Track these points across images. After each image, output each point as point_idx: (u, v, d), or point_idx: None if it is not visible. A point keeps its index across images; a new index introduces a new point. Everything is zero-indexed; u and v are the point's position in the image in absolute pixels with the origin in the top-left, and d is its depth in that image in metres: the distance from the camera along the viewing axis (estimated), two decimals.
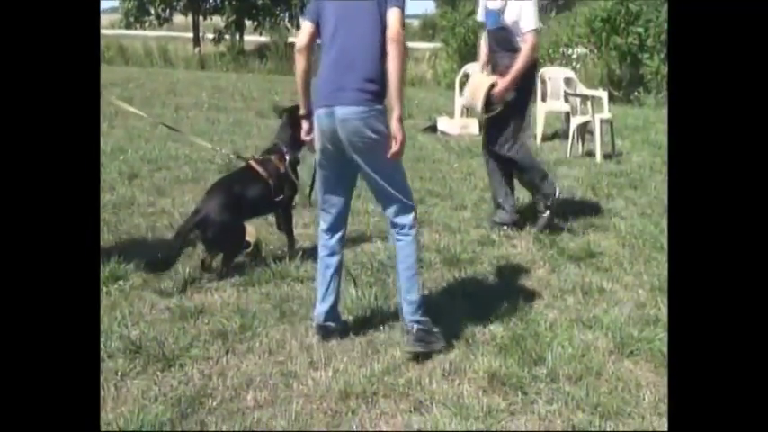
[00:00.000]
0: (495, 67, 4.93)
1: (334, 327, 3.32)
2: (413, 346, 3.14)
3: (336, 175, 3.23)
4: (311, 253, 4.38)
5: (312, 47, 3.27)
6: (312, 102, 3.21)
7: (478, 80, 4.93)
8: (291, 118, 4.10)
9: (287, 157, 4.26)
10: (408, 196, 3.24)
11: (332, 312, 3.32)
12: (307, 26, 3.24)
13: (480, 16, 5.15)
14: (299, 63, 3.26)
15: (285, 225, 4.38)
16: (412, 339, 3.15)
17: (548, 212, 4.95)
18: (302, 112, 3.41)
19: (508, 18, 4.77)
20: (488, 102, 4.76)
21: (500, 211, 5.06)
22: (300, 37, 3.26)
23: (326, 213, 3.30)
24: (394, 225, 3.24)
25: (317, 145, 3.18)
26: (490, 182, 5.23)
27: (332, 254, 3.32)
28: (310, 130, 3.34)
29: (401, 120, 3.08)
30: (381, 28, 3.06)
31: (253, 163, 4.24)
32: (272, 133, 4.57)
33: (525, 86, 4.90)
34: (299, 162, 4.37)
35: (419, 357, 3.14)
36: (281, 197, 4.25)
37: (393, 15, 3.05)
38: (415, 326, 3.16)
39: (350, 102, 3.04)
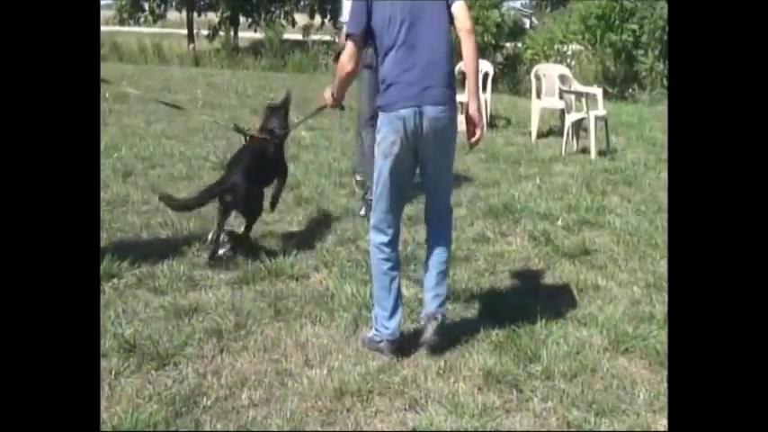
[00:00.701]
0: None
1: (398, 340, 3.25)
2: (433, 338, 3.19)
3: (400, 182, 3.20)
4: (305, 251, 4.39)
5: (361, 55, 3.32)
6: (383, 103, 3.15)
7: None
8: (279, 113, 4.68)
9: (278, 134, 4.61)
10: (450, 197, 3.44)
11: (399, 326, 3.26)
12: (353, 36, 3.20)
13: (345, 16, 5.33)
14: (348, 69, 3.25)
15: (276, 194, 4.60)
16: (434, 332, 3.19)
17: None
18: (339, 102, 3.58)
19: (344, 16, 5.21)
20: None
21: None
22: (350, 53, 3.22)
23: (389, 227, 3.24)
24: (435, 228, 3.35)
25: (388, 146, 3.12)
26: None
27: (395, 267, 3.28)
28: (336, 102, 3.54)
29: (480, 110, 3.26)
30: (447, 26, 3.13)
31: (256, 134, 4.57)
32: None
33: None
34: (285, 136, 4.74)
35: (434, 350, 3.16)
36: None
37: (462, 8, 3.13)
38: (440, 318, 3.23)
39: (439, 100, 3.09)
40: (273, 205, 4.59)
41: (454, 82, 3.20)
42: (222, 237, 4.23)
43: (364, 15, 3.16)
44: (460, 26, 3.13)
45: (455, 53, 3.18)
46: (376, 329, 3.24)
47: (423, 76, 3.09)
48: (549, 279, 4.07)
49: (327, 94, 3.60)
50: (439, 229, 3.35)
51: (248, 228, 4.34)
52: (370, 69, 4.75)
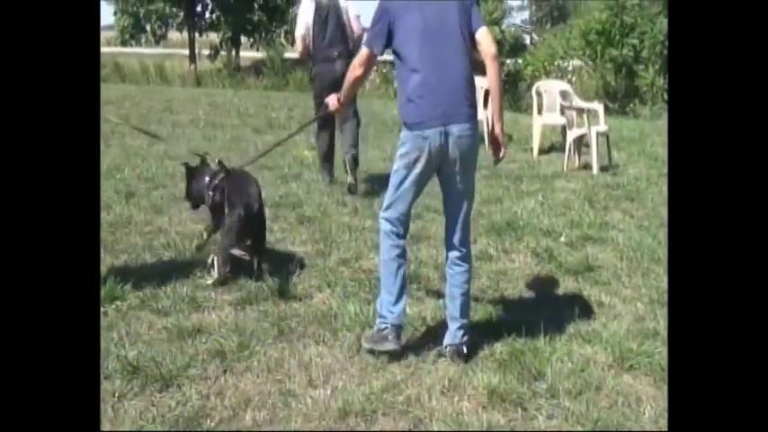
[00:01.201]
0: None
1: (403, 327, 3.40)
2: (460, 362, 3.27)
3: (419, 189, 3.37)
4: (308, 271, 4.39)
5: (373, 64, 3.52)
6: (408, 120, 3.26)
7: None
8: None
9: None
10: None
11: (404, 312, 3.40)
12: (368, 52, 3.37)
13: (300, 31, 6.58)
14: (358, 73, 3.46)
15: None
16: (459, 358, 3.29)
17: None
18: (342, 102, 3.76)
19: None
20: None
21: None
22: (363, 60, 3.41)
23: (401, 222, 3.38)
24: (457, 250, 3.41)
25: (412, 161, 3.25)
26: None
27: (402, 255, 3.40)
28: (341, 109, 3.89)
29: (503, 129, 3.45)
30: (467, 48, 3.27)
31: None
32: None
33: None
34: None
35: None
36: None
37: (486, 34, 3.31)
38: (464, 348, 3.32)
39: (464, 119, 3.25)
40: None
41: (475, 101, 3.36)
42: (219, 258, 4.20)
43: (386, 31, 3.28)
44: (485, 51, 3.29)
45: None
46: (381, 315, 3.34)
47: (447, 97, 3.22)
48: (552, 296, 4.06)
49: (333, 99, 3.78)
50: (463, 252, 3.42)
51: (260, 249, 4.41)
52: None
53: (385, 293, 3.36)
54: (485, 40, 3.29)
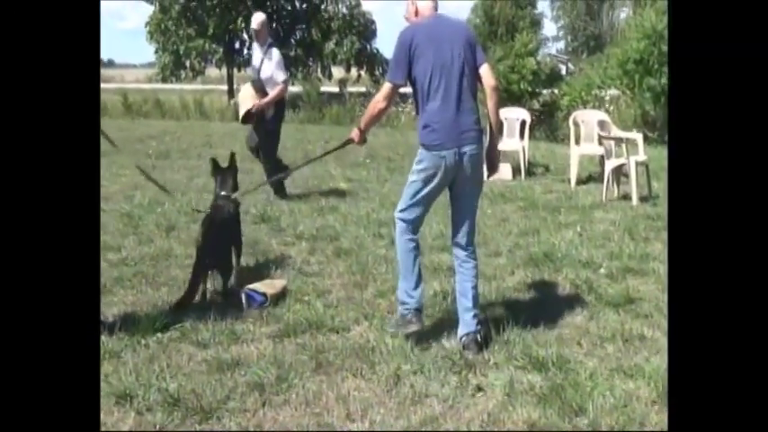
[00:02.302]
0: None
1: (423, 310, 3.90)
2: (477, 354, 3.65)
3: (433, 200, 3.88)
4: (346, 303, 4.40)
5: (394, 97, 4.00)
6: (428, 142, 3.72)
7: (247, 94, 7.51)
8: (231, 172, 5.10)
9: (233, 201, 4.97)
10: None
11: (422, 296, 3.89)
12: (390, 86, 3.84)
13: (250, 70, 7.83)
14: (381, 106, 3.91)
15: (237, 251, 4.91)
16: (477, 349, 3.68)
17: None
18: (364, 135, 4.14)
19: (263, 74, 7.45)
20: (247, 114, 7.46)
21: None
22: (387, 94, 3.86)
23: (416, 223, 3.89)
24: (465, 249, 3.88)
25: (429, 176, 3.74)
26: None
27: (417, 248, 3.90)
28: (362, 141, 4.16)
29: (497, 150, 4.05)
30: (473, 80, 3.80)
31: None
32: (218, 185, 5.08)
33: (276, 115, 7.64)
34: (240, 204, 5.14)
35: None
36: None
37: (487, 69, 3.87)
38: (479, 336, 3.75)
39: (474, 141, 3.75)
40: (237, 266, 4.87)
41: (480, 125, 3.81)
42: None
43: (407, 67, 3.77)
44: (487, 83, 3.82)
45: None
46: (403, 302, 3.84)
47: (460, 122, 3.72)
48: (592, 329, 3.99)
49: (355, 132, 4.16)
50: (470, 250, 3.90)
51: (227, 282, 4.61)
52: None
53: (404, 282, 3.85)
54: (486, 74, 3.83)
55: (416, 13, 3.96)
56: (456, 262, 3.91)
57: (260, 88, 7.42)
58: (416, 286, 3.83)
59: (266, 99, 7.37)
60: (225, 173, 5.09)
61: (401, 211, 3.87)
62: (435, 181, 3.74)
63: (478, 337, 3.73)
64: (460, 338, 3.74)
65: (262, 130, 7.58)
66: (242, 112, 7.51)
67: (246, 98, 7.49)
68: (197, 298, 4.43)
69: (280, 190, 7.73)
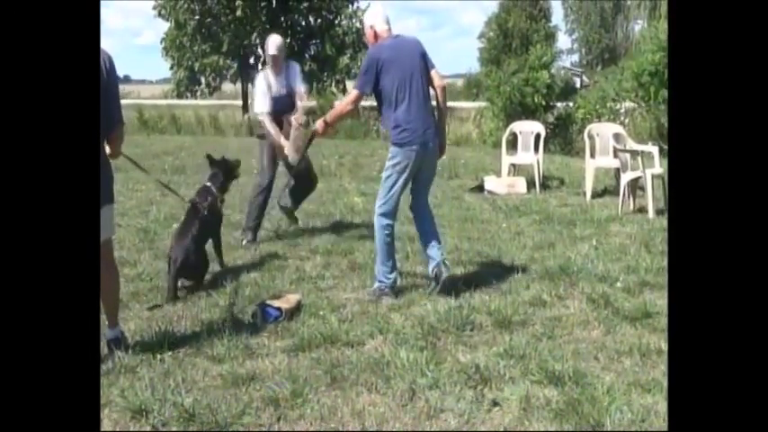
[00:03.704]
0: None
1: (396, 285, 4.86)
2: (446, 277, 4.77)
3: (404, 188, 4.78)
4: (360, 317, 4.39)
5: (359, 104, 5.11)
6: (400, 141, 4.67)
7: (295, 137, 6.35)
8: (219, 167, 5.57)
9: (216, 196, 5.44)
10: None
11: (396, 276, 4.88)
12: (358, 94, 4.85)
13: (264, 106, 6.63)
14: (349, 108, 5.00)
15: (217, 247, 5.51)
16: (446, 274, 4.79)
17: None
18: (328, 129, 5.10)
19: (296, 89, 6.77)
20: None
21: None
22: (354, 99, 4.91)
23: (393, 213, 4.82)
24: (423, 212, 4.95)
25: (403, 167, 4.69)
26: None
27: (393, 237, 4.85)
28: (325, 132, 5.11)
29: (445, 138, 5.06)
30: (427, 85, 4.79)
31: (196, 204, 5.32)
32: (204, 178, 5.69)
33: None
34: (224, 200, 5.61)
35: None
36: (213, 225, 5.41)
37: (436, 73, 4.89)
38: (445, 260, 4.89)
39: (434, 135, 4.79)
40: (221, 263, 5.53)
41: (435, 121, 4.85)
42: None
43: (374, 80, 4.69)
44: (437, 84, 4.87)
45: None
46: (380, 281, 4.79)
47: (423, 122, 4.70)
48: (609, 343, 3.96)
49: (320, 123, 5.02)
50: (426, 214, 4.96)
51: (199, 284, 5.08)
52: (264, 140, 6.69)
53: (382, 266, 4.78)
54: (436, 76, 4.86)
55: (375, 37, 4.86)
56: (415, 215, 4.96)
57: (285, 110, 6.57)
58: (392, 270, 4.80)
59: (331, 113, 6.15)
60: (214, 167, 5.57)
61: (381, 205, 4.76)
62: (407, 171, 4.70)
63: (445, 262, 4.85)
64: (432, 271, 4.80)
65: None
66: (293, 153, 6.32)
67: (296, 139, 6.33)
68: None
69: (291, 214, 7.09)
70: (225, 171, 5.58)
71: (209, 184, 5.50)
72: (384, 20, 4.90)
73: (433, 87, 4.83)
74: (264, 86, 6.46)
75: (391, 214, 4.77)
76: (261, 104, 6.48)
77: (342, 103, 5.04)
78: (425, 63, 4.77)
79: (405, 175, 4.71)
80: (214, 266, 5.45)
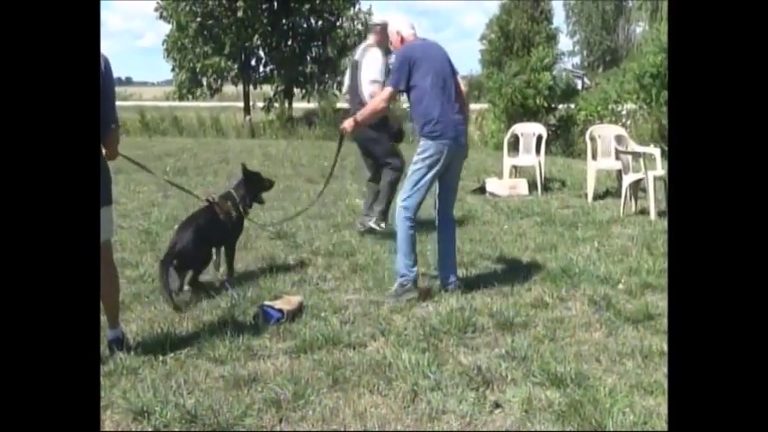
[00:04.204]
0: None
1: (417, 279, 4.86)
2: (456, 284, 4.87)
3: (432, 184, 4.78)
4: (362, 319, 4.39)
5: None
6: (433, 134, 4.69)
7: None
8: (248, 179, 5.42)
9: (239, 205, 5.26)
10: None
11: (417, 270, 4.85)
12: (392, 91, 4.90)
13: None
14: (382, 106, 4.96)
15: (229, 256, 5.26)
16: (456, 284, 4.86)
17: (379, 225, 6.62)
18: (358, 128, 5.14)
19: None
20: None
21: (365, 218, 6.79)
22: (388, 96, 4.95)
23: (416, 208, 4.78)
24: (448, 214, 4.97)
25: (434, 161, 4.68)
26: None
27: (414, 229, 4.79)
28: (357, 127, 5.09)
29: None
30: (455, 84, 4.88)
31: (214, 204, 5.18)
32: (230, 184, 5.63)
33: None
34: (248, 213, 5.40)
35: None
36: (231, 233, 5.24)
37: (459, 79, 5.03)
38: (456, 282, 4.90)
39: (464, 131, 4.88)
40: (230, 274, 5.22)
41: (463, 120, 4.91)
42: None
43: (407, 77, 4.76)
44: (462, 90, 4.96)
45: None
46: (403, 275, 4.75)
47: (455, 117, 4.78)
48: (611, 345, 3.95)
49: (349, 122, 5.03)
50: (448, 232, 4.96)
51: (195, 279, 4.94)
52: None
53: (405, 259, 4.75)
54: (460, 83, 4.98)
55: (402, 41, 5.00)
56: (440, 226, 4.94)
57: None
58: (415, 264, 4.79)
59: (362, 111, 5.59)
60: (245, 178, 5.42)
61: (405, 198, 4.75)
62: (439, 165, 4.69)
63: (456, 278, 4.90)
64: (442, 282, 4.87)
65: (373, 151, 6.83)
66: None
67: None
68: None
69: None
70: (252, 185, 5.40)
71: (232, 191, 5.35)
72: (409, 25, 5.11)
73: (458, 91, 4.91)
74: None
75: (414, 209, 4.74)
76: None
77: (375, 101, 5.07)
78: (451, 67, 4.91)
79: (435, 170, 4.70)
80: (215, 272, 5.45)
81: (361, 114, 5.02)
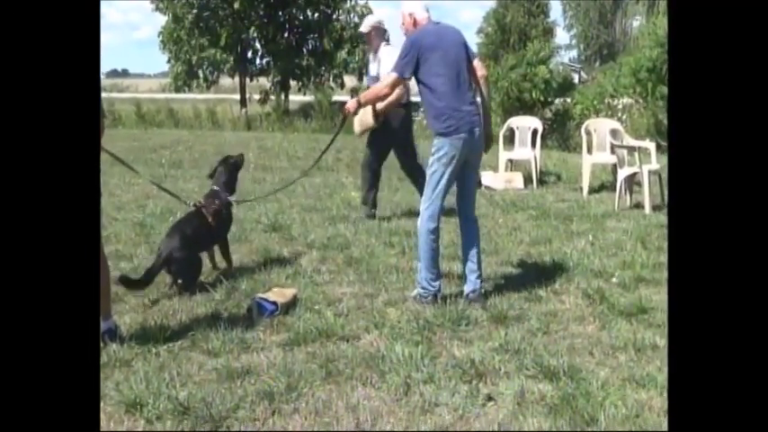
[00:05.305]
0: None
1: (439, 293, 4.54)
2: (483, 304, 4.44)
3: (451, 184, 4.51)
4: (356, 312, 4.39)
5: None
6: (446, 129, 4.38)
7: (362, 112, 6.16)
8: (227, 167, 5.35)
9: (223, 199, 5.20)
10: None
11: (440, 284, 4.57)
12: (396, 77, 4.57)
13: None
14: (385, 92, 4.82)
15: (224, 252, 5.24)
16: (483, 302, 4.47)
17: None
18: (358, 109, 5.09)
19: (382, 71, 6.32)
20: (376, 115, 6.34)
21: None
22: (391, 83, 4.65)
23: (440, 210, 4.52)
24: (469, 215, 4.66)
25: (449, 159, 4.38)
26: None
27: (438, 242, 4.57)
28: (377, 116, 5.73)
29: (491, 127, 4.79)
30: (469, 72, 4.55)
31: (201, 207, 5.13)
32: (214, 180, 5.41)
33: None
34: (232, 204, 5.33)
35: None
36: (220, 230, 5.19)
37: (479, 62, 4.72)
38: (482, 289, 4.58)
39: (479, 123, 4.49)
40: (229, 268, 5.24)
41: (478, 109, 4.55)
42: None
43: (414, 65, 4.44)
44: (480, 74, 4.65)
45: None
46: (423, 288, 4.50)
47: (468, 109, 4.43)
48: (604, 338, 3.96)
49: (352, 102, 4.92)
50: (473, 215, 4.69)
51: (187, 287, 4.78)
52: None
53: (428, 273, 4.48)
54: (478, 66, 4.66)
55: (415, 24, 4.67)
56: (463, 229, 4.64)
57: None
58: (437, 277, 4.51)
59: (365, 94, 5.40)
60: (220, 166, 5.38)
61: (428, 207, 4.48)
62: (454, 162, 4.39)
63: (482, 291, 4.55)
64: (467, 295, 4.51)
65: (391, 142, 6.81)
66: (356, 126, 6.56)
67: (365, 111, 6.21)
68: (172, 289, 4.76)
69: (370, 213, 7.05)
70: (230, 169, 5.37)
71: (216, 188, 5.27)
72: (423, 7, 4.75)
73: (475, 77, 4.61)
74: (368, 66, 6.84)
75: (437, 216, 4.46)
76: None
77: (377, 86, 4.85)
78: (467, 52, 4.56)
79: (451, 168, 4.39)
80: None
81: (365, 96, 4.93)
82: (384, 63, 6.42)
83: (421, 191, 6.36)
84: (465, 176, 4.55)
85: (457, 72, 4.42)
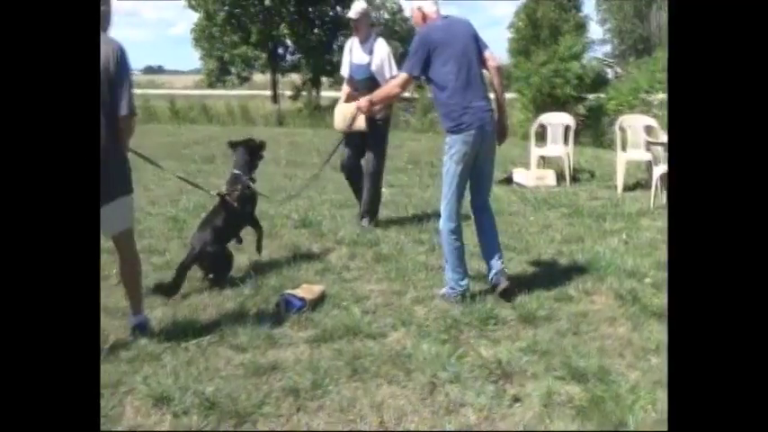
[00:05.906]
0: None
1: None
2: (508, 286, 4.49)
3: (465, 182, 4.48)
4: (384, 309, 4.38)
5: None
6: (457, 127, 4.37)
7: (346, 107, 6.24)
8: (247, 149, 5.41)
9: (245, 181, 5.25)
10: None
11: (468, 283, 4.52)
12: (407, 77, 4.56)
13: (345, 70, 6.70)
14: (396, 92, 4.78)
15: (257, 230, 5.39)
16: (507, 282, 4.50)
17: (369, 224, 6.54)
18: (371, 108, 5.09)
19: (373, 67, 6.38)
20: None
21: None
22: (402, 82, 4.63)
23: (457, 217, 4.49)
24: (482, 207, 4.63)
25: (461, 156, 4.37)
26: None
27: (461, 241, 4.53)
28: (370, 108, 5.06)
29: (506, 119, 4.77)
30: (481, 66, 4.54)
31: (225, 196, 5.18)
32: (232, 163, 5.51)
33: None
34: (255, 180, 5.37)
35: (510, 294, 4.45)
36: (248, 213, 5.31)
37: (491, 53, 4.59)
38: (506, 270, 4.61)
39: (491, 118, 4.50)
40: (259, 241, 5.41)
41: (490, 104, 4.54)
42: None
43: (423, 63, 4.43)
44: (492, 65, 4.58)
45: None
46: (451, 288, 4.48)
47: (479, 105, 4.42)
48: (636, 340, 3.89)
49: (364, 100, 4.95)
50: (488, 204, 4.66)
51: (219, 281, 4.87)
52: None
53: (454, 274, 4.47)
54: (490, 57, 4.57)
55: (424, 19, 4.61)
56: (477, 219, 4.64)
57: (358, 87, 6.41)
58: (464, 278, 4.49)
59: (377, 93, 5.13)
60: (238, 149, 5.42)
61: (445, 207, 4.47)
62: (466, 159, 4.39)
63: (505, 270, 4.59)
64: (491, 279, 4.53)
65: (372, 135, 6.55)
66: (340, 121, 6.46)
67: (349, 107, 6.02)
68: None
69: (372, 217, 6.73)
70: (250, 150, 5.42)
71: (237, 171, 5.32)
72: (433, 1, 4.67)
73: (488, 69, 4.57)
74: (347, 51, 6.69)
75: (456, 215, 4.45)
76: (342, 69, 6.83)
77: (389, 86, 4.89)
78: (477, 45, 4.51)
79: (463, 165, 4.38)
80: (243, 258, 5.46)
81: (376, 95, 4.92)
82: (377, 55, 6.40)
83: (354, 189, 6.83)
84: (479, 167, 4.51)
85: (468, 66, 4.40)
